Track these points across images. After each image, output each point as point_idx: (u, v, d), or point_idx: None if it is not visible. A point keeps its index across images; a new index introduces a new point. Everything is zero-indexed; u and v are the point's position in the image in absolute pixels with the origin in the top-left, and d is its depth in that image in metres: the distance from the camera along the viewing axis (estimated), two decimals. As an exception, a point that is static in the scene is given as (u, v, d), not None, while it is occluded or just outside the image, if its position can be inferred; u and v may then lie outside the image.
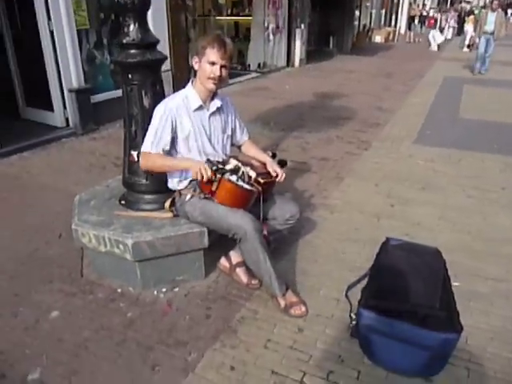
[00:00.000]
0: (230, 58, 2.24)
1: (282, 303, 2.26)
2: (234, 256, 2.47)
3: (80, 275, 2.56)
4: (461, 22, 20.34)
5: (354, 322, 2.09)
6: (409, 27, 21.45)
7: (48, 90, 5.18)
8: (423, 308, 2.02)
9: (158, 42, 2.39)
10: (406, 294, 2.11)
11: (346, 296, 2.21)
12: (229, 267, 2.50)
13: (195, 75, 2.30)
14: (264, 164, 2.45)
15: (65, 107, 5.26)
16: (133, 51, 2.31)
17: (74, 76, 5.18)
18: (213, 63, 2.17)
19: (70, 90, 5.18)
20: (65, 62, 5.08)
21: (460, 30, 19.58)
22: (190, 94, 2.30)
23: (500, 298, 2.46)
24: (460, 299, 2.34)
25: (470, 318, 2.28)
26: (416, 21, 19.58)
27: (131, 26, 2.28)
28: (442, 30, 17.68)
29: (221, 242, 2.43)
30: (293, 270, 2.65)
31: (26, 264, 2.68)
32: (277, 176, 2.37)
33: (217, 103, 2.36)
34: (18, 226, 3.14)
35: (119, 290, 2.43)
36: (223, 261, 2.53)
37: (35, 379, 1.86)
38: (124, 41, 2.30)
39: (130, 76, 2.35)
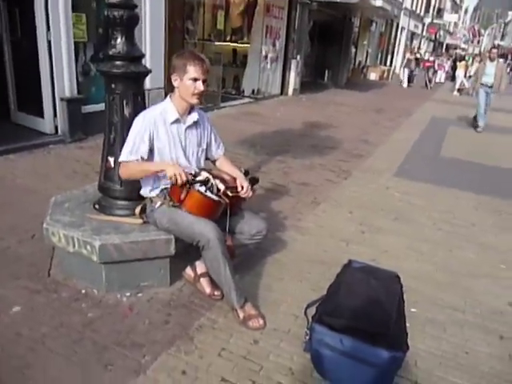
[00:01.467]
0: (208, 72, 2.36)
1: (241, 315, 2.32)
2: (200, 266, 2.53)
3: (47, 275, 2.60)
4: (454, 68, 21.09)
5: (307, 337, 2.15)
6: (403, 67, 22.08)
7: (40, 97, 5.29)
8: (374, 327, 2.09)
9: (142, 56, 2.53)
10: (360, 314, 2.18)
11: (305, 313, 2.27)
12: (193, 277, 2.56)
13: (173, 90, 2.42)
14: (235, 179, 2.55)
15: (55, 115, 5.36)
16: (118, 63, 2.43)
17: (67, 86, 5.31)
18: (195, 79, 2.30)
19: (62, 99, 5.29)
20: (59, 72, 5.21)
21: (454, 75, 20.28)
22: (168, 107, 2.40)
23: (454, 326, 2.53)
24: (415, 325, 2.45)
25: (422, 342, 2.36)
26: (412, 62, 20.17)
27: (118, 40, 2.42)
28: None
29: (188, 251, 2.50)
30: (257, 285, 2.71)
31: (-6, 260, 2.72)
32: (242, 190, 2.45)
33: (194, 117, 2.47)
34: (-7, 224, 3.18)
35: (83, 291, 2.47)
36: (188, 270, 2.59)
37: (-13, 369, 1.89)
38: (110, 52, 2.43)
39: (113, 86, 2.46)
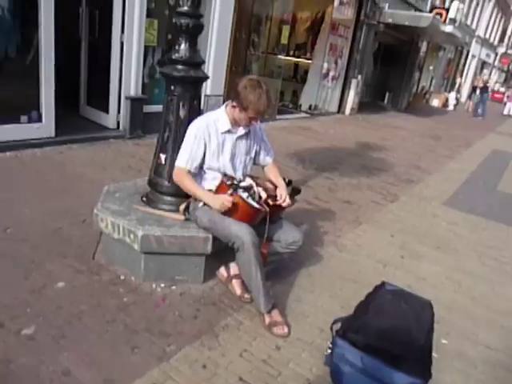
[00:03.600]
0: None
1: (267, 320, 2.37)
2: (233, 268, 2.61)
3: (92, 257, 2.78)
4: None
5: (329, 351, 2.16)
6: (469, 96, 21.36)
7: (107, 94, 5.65)
8: (397, 349, 2.06)
9: (203, 62, 2.67)
10: (386, 335, 2.16)
11: (331, 328, 2.28)
12: (226, 277, 2.64)
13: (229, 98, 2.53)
14: (277, 187, 2.61)
15: (119, 112, 5.70)
16: (179, 67, 2.59)
17: (133, 85, 5.64)
18: (254, 119, 2.43)
19: (127, 98, 5.62)
20: (127, 72, 5.55)
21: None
22: (221, 117, 2.52)
23: (486, 364, 2.44)
24: (444, 357, 2.39)
25: (449, 376, 2.30)
26: (477, 91, 19.46)
27: (182, 45, 2.57)
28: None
29: (224, 252, 2.58)
30: (287, 294, 2.74)
31: (47, 238, 2.94)
32: (281, 199, 2.51)
33: (245, 128, 2.58)
34: (51, 206, 3.43)
35: (122, 277, 2.62)
36: (222, 270, 2.67)
37: (28, 334, 2.05)
38: (173, 56, 2.60)
39: (172, 88, 2.62)
